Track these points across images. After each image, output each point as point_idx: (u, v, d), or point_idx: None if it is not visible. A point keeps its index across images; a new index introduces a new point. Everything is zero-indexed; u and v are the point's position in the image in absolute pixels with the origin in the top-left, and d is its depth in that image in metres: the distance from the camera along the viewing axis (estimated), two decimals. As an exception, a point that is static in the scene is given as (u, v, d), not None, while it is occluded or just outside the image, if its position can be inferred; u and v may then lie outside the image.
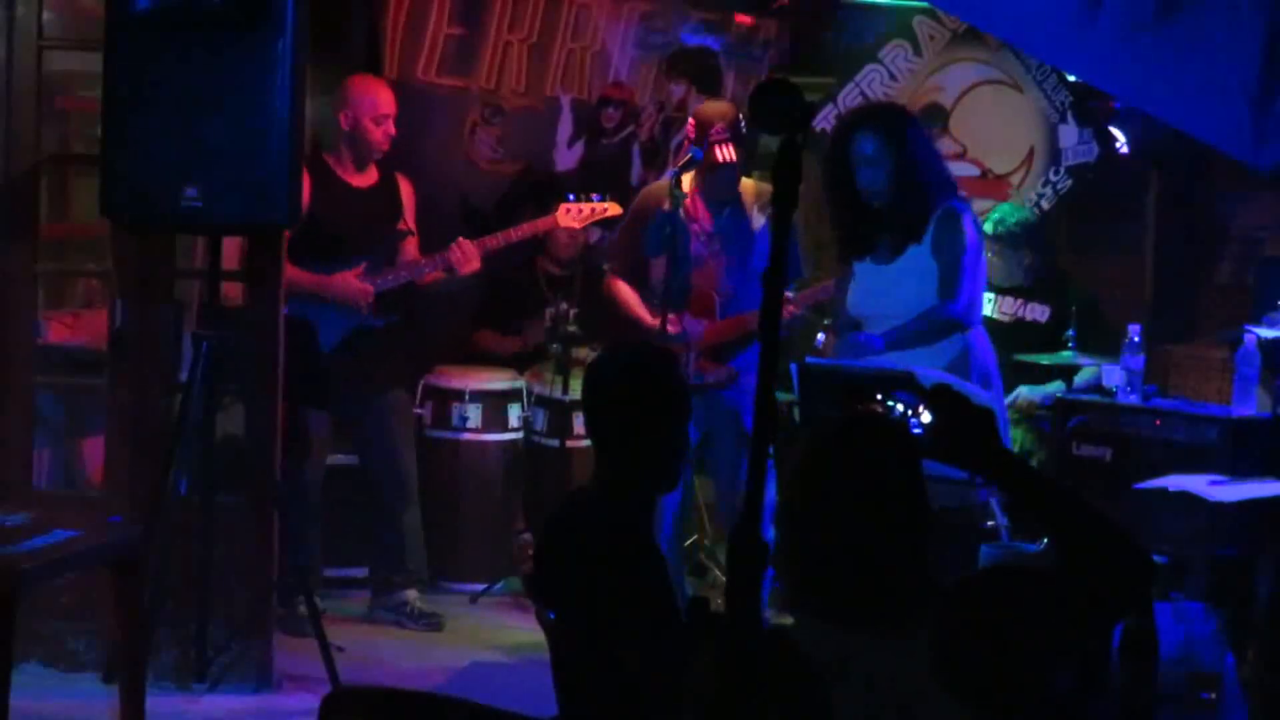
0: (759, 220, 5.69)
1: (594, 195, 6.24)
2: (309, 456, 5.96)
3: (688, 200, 5.69)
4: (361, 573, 6.36)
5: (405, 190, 6.15)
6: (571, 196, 6.23)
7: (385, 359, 6.10)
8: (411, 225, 6.12)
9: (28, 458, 5.53)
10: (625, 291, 5.86)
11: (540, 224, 6.21)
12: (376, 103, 5.97)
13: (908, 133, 5.13)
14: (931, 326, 5.14)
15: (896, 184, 5.03)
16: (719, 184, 5.67)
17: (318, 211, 5.80)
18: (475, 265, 6.01)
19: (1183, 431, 5.32)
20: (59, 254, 6.33)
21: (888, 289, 5.13)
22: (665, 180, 5.90)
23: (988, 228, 6.33)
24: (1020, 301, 6.36)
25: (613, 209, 6.27)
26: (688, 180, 5.70)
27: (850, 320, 5.26)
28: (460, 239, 6.02)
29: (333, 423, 6.13)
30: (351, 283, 5.88)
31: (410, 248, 6.11)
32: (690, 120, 5.78)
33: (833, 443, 2.57)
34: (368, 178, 6.06)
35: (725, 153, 5.54)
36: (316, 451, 6.03)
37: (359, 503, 6.25)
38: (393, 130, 6.00)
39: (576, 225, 6.26)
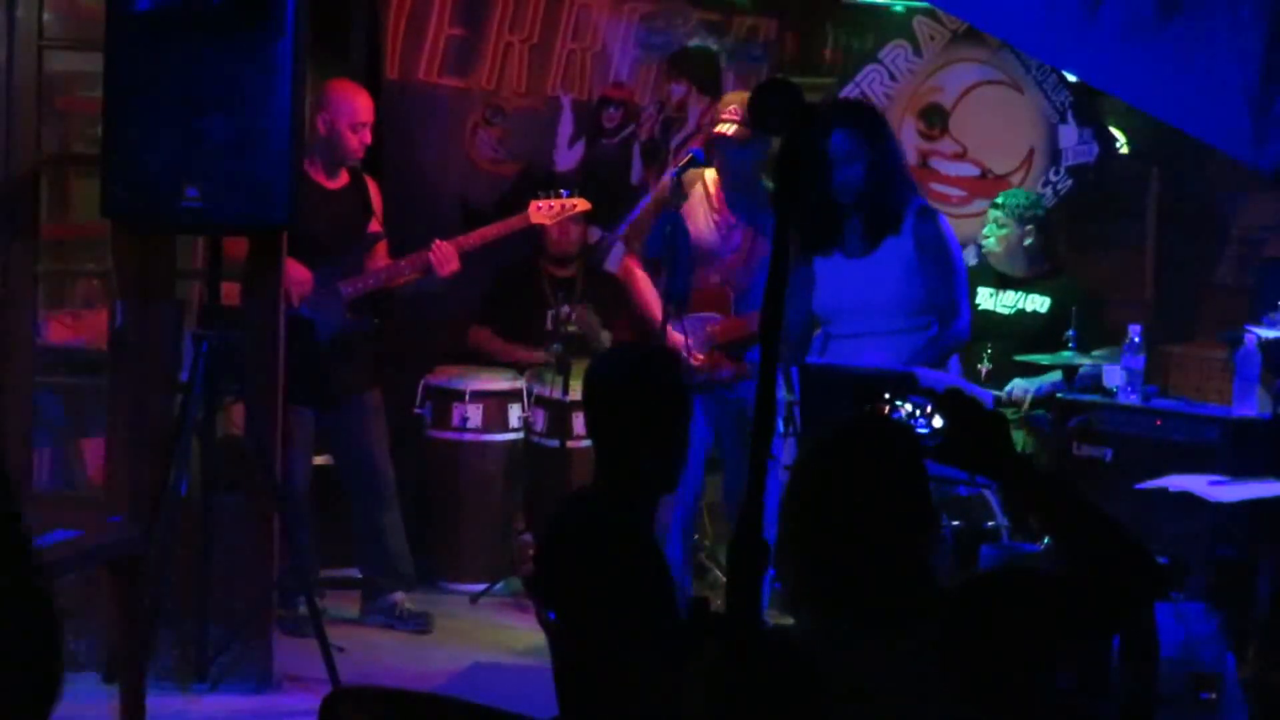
0: None
1: (563, 191, 6.26)
2: (296, 456, 5.93)
3: (713, 194, 5.73)
4: (357, 573, 6.35)
5: (374, 192, 6.12)
6: (540, 193, 6.25)
7: (361, 361, 6.08)
8: (380, 228, 6.10)
9: (28, 458, 5.53)
10: (644, 284, 5.86)
11: (513, 222, 6.19)
12: (355, 109, 5.92)
13: (881, 130, 5.21)
14: (945, 351, 5.21)
15: (872, 179, 5.08)
16: (731, 166, 5.68)
17: None
18: (454, 266, 5.99)
19: (1183, 431, 5.31)
20: (59, 254, 6.32)
21: (867, 280, 5.17)
22: (692, 173, 5.87)
23: (998, 199, 6.36)
24: (1021, 295, 6.37)
25: (581, 204, 6.28)
26: (711, 175, 5.74)
27: (806, 322, 5.28)
28: (437, 241, 6.00)
29: (316, 423, 6.11)
30: (290, 269, 5.66)
31: (381, 251, 6.09)
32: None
33: (837, 444, 2.57)
34: (338, 180, 6.01)
35: (728, 128, 5.57)
36: (303, 450, 5.99)
37: (350, 503, 6.24)
38: (369, 139, 5.96)
39: (548, 221, 6.26)
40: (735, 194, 5.76)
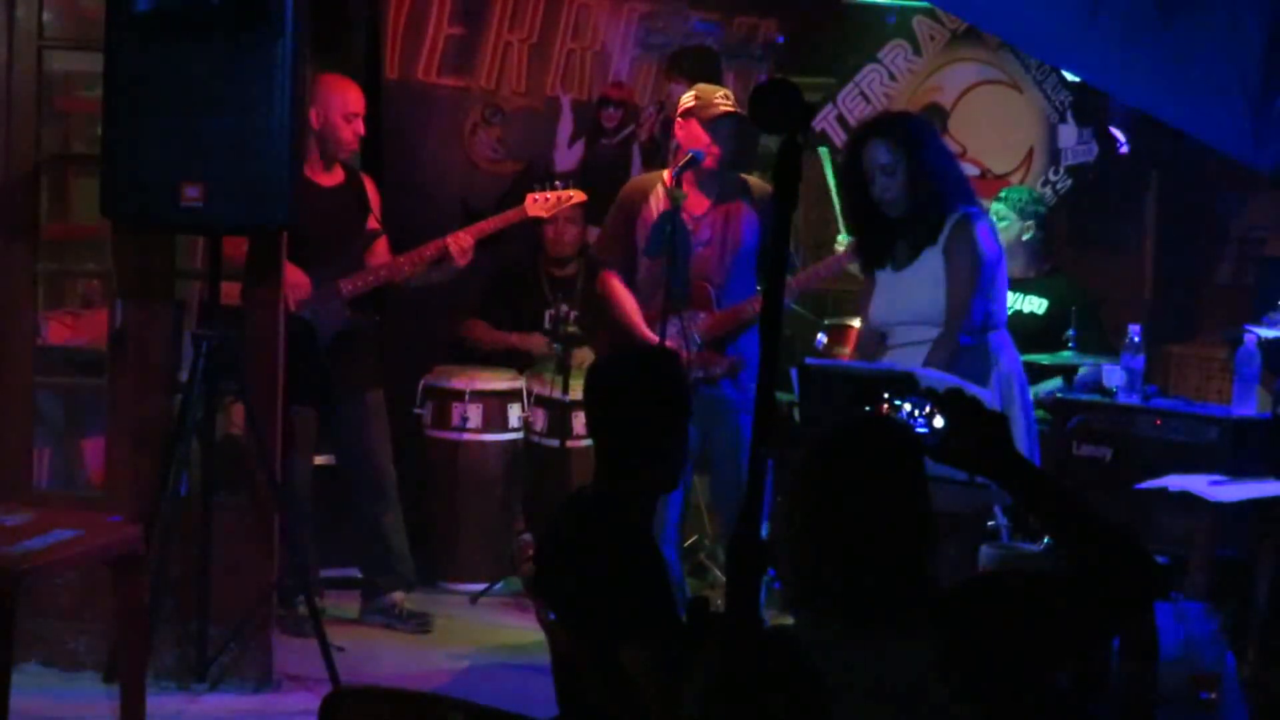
0: (750, 213, 5.76)
1: (558, 183, 6.27)
2: (297, 456, 5.93)
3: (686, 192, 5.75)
4: (357, 573, 6.34)
5: (371, 190, 6.11)
6: (537, 186, 6.26)
7: (363, 360, 6.08)
8: (378, 225, 6.09)
9: (28, 458, 5.53)
10: (623, 295, 5.85)
11: (509, 215, 6.19)
12: (346, 100, 5.92)
13: (921, 140, 5.09)
14: (940, 354, 5.09)
15: (911, 192, 4.98)
16: (711, 178, 5.76)
17: None
18: (470, 254, 5.99)
19: (1183, 431, 5.31)
20: (59, 254, 6.33)
21: (905, 294, 5.09)
22: (652, 173, 6.02)
23: (1001, 193, 6.37)
24: (1018, 295, 6.37)
25: (578, 196, 6.28)
26: (664, 178, 5.76)
27: (874, 333, 5.20)
28: (454, 232, 6.01)
29: (317, 422, 6.10)
30: (287, 272, 5.58)
31: (381, 248, 6.07)
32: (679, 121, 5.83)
33: (836, 443, 2.57)
34: (334, 177, 6.00)
35: (729, 105, 5.73)
36: (303, 450, 6.00)
37: (351, 503, 6.24)
38: (361, 130, 5.96)
39: (544, 214, 6.25)
40: (699, 190, 5.78)
